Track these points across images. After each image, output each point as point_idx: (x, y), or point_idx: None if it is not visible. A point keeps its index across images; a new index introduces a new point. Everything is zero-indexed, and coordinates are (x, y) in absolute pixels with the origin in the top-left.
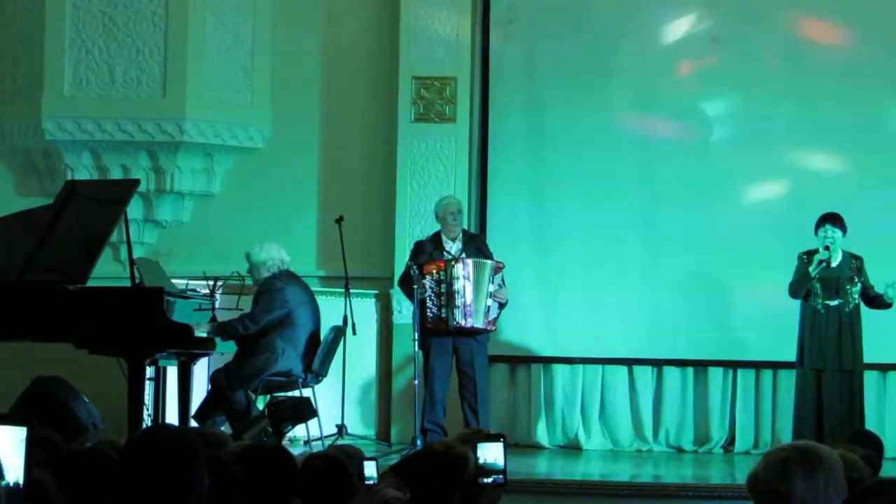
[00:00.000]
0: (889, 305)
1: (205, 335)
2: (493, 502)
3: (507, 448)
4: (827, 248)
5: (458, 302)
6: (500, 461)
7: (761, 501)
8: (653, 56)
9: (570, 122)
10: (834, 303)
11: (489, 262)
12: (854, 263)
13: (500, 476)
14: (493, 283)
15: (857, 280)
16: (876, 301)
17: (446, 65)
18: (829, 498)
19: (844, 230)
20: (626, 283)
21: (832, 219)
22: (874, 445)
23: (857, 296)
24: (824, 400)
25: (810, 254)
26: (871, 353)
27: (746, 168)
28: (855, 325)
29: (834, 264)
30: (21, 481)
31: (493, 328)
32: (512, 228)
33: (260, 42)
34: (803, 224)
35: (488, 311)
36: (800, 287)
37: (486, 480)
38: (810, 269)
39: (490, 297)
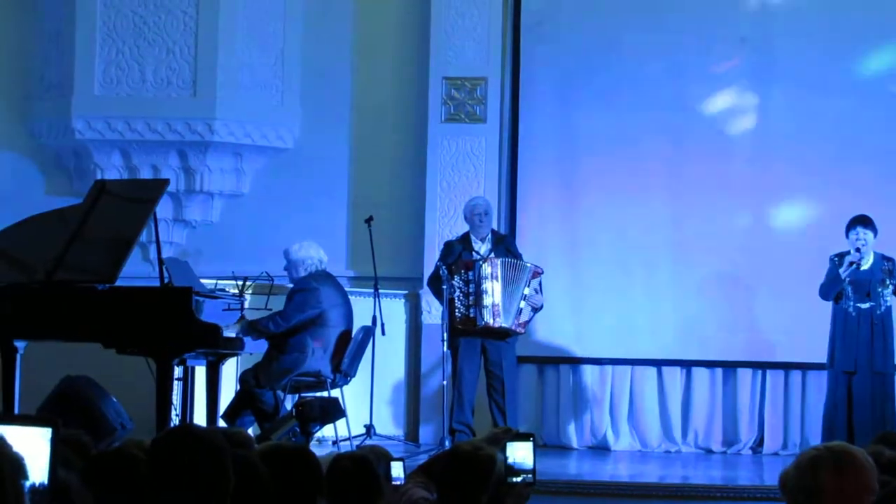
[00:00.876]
0: None
1: (233, 335)
2: (522, 501)
3: (536, 448)
4: (858, 250)
5: (487, 302)
6: (529, 460)
7: (792, 500)
8: (682, 59)
9: (600, 124)
10: (865, 305)
11: (528, 265)
12: (886, 265)
13: (529, 475)
14: (529, 286)
15: (888, 282)
16: None
17: (477, 65)
18: (860, 499)
19: (875, 232)
20: (656, 283)
21: (863, 220)
22: None
23: (888, 298)
24: (855, 402)
25: (842, 256)
26: None
27: (776, 170)
28: (886, 328)
29: (865, 266)
30: (46, 482)
31: (523, 331)
32: (542, 229)
33: (290, 42)
34: (833, 226)
35: (520, 313)
36: (830, 289)
37: (515, 480)
38: (841, 270)
39: (525, 300)
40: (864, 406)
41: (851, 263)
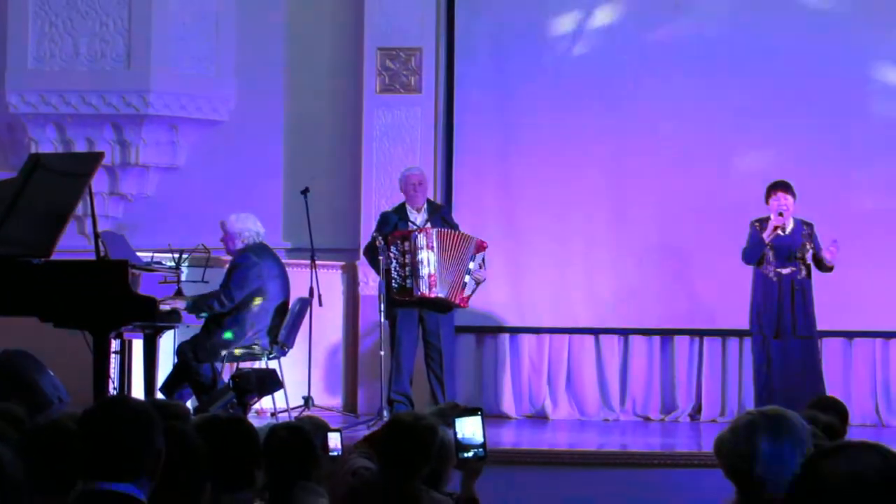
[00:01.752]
0: (830, 269)
1: (169, 308)
2: (474, 475)
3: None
4: (780, 214)
5: (423, 272)
6: (479, 435)
7: (727, 465)
8: (618, 26)
9: (536, 94)
10: (786, 270)
11: (473, 239)
12: (805, 230)
13: (481, 450)
14: (473, 261)
15: (808, 246)
16: (822, 265)
17: (411, 35)
18: (794, 463)
19: (795, 197)
20: (593, 252)
21: (784, 186)
22: (837, 412)
23: (809, 262)
24: (782, 367)
25: (762, 220)
26: (838, 319)
27: (713, 139)
28: (807, 292)
29: (787, 231)
30: None
31: (466, 305)
32: (478, 199)
33: (224, 14)
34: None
35: (464, 287)
36: (753, 253)
37: (466, 455)
38: (765, 235)
39: (469, 274)
40: (793, 370)
41: (776, 227)
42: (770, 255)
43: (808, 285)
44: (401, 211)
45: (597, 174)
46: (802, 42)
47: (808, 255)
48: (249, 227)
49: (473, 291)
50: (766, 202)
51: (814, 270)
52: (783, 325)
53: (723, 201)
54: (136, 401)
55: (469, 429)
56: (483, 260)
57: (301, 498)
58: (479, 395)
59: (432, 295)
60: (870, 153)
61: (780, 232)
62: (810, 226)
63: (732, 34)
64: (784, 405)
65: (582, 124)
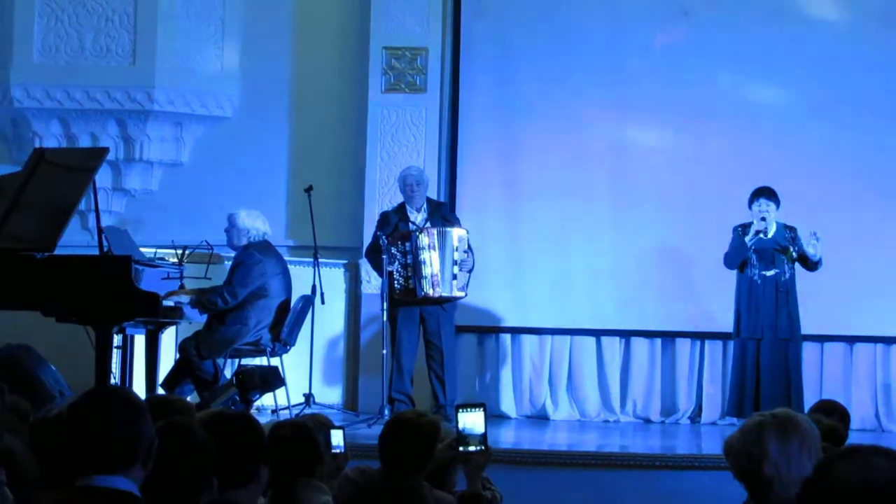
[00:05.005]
0: (817, 264)
1: (173, 304)
2: (478, 470)
3: (487, 417)
4: (763, 219)
5: (426, 272)
6: (480, 427)
7: (736, 465)
8: (624, 31)
9: (540, 94)
10: (770, 273)
11: (451, 229)
12: (788, 234)
13: (481, 445)
14: (457, 251)
15: (791, 250)
16: (808, 263)
17: (417, 35)
18: (802, 464)
19: (778, 203)
20: (595, 253)
21: (766, 192)
22: (840, 416)
23: (792, 266)
24: (762, 369)
25: (745, 226)
26: (839, 324)
27: (716, 143)
28: (790, 295)
29: (769, 235)
30: None
31: (463, 294)
32: (482, 199)
33: (230, 11)
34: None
35: (455, 278)
36: (735, 258)
37: (468, 449)
38: (747, 239)
39: (455, 264)
40: (771, 373)
41: (758, 232)
42: (754, 258)
43: (793, 287)
44: (401, 211)
45: (600, 176)
46: (813, 39)
47: (791, 259)
48: (258, 227)
49: (467, 280)
50: (749, 208)
51: (798, 274)
52: (765, 328)
53: (726, 204)
54: (124, 390)
55: (470, 420)
56: (469, 247)
57: (304, 495)
58: (480, 394)
59: (436, 295)
60: (877, 157)
61: (762, 236)
62: (793, 229)
63: (738, 33)
64: (756, 408)
65: (586, 126)
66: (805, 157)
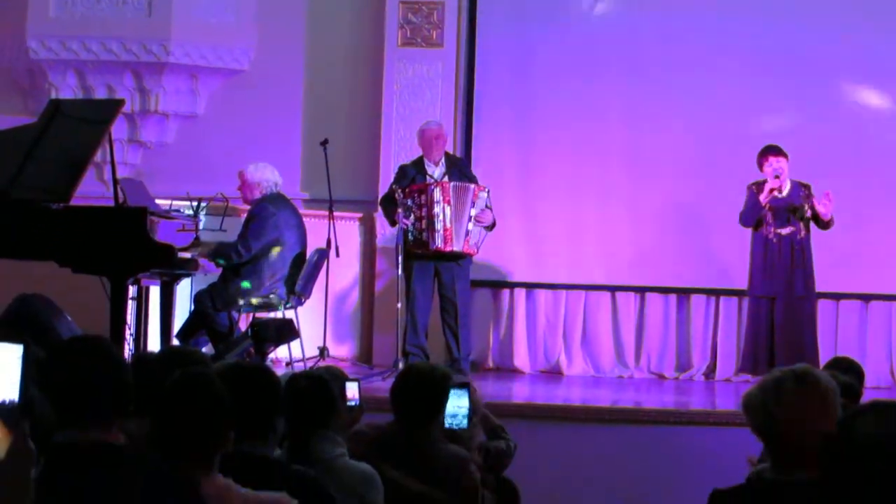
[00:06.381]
0: (828, 223)
1: (188, 256)
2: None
3: (487, 372)
4: (777, 176)
5: (438, 226)
6: (465, 407)
7: (754, 420)
8: None
9: (558, 49)
10: (786, 231)
11: (470, 185)
12: (803, 191)
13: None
14: (474, 206)
15: (807, 207)
16: (819, 222)
17: None
18: (821, 420)
19: (788, 159)
20: (611, 209)
21: (775, 150)
22: (855, 373)
23: (808, 224)
24: (777, 327)
25: (759, 184)
26: (854, 281)
27: (731, 100)
28: (806, 253)
29: (784, 193)
30: (16, 398)
31: (475, 251)
32: (498, 153)
33: None
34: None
35: (468, 234)
36: (751, 216)
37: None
38: (761, 197)
39: (471, 220)
40: (786, 332)
41: (772, 190)
42: (769, 216)
43: (808, 245)
44: (419, 164)
45: (616, 131)
46: (819, 7)
47: (807, 217)
48: (268, 178)
49: (482, 238)
50: (760, 168)
51: (814, 232)
52: (781, 286)
53: (741, 161)
54: (102, 339)
55: (454, 403)
56: (488, 202)
57: (320, 447)
58: (494, 349)
59: (448, 249)
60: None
61: (776, 194)
62: (808, 187)
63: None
64: (771, 366)
65: (602, 81)
66: (820, 112)
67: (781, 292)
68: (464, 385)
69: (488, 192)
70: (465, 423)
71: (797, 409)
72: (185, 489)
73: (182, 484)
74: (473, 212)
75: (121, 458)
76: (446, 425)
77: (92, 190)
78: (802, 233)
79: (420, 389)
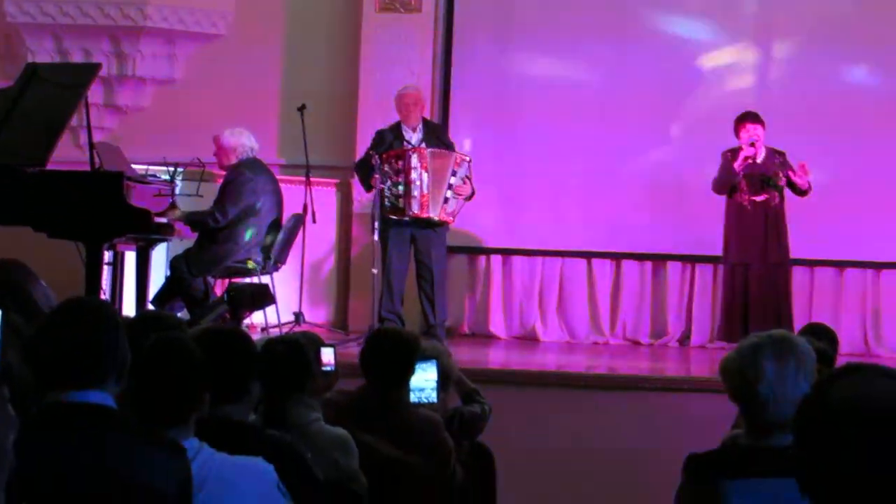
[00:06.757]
0: (805, 192)
1: (164, 221)
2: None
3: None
4: (752, 144)
5: (415, 192)
6: (432, 382)
7: (731, 386)
8: None
9: (537, 11)
10: (760, 198)
11: (452, 153)
12: (778, 158)
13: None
14: (455, 175)
15: (781, 175)
16: (797, 188)
17: None
18: (798, 386)
19: (765, 127)
20: (588, 175)
21: (753, 117)
22: (829, 339)
23: (782, 190)
24: (752, 295)
25: (734, 151)
26: (829, 248)
27: (709, 67)
28: (780, 220)
29: (759, 160)
30: None
31: (452, 220)
32: (475, 119)
33: None
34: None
35: (447, 202)
36: (724, 183)
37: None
38: (736, 164)
39: (450, 189)
40: (761, 299)
41: (747, 158)
42: (743, 183)
43: (783, 213)
44: (396, 130)
45: (595, 97)
46: None
47: (782, 182)
48: (244, 143)
49: (459, 207)
50: (736, 135)
51: (788, 199)
52: (755, 253)
53: (718, 128)
54: (95, 301)
55: (421, 377)
56: (468, 172)
57: (296, 411)
58: (470, 315)
59: (424, 215)
60: (866, 79)
61: (751, 161)
62: (782, 154)
63: None
64: (745, 332)
65: (582, 45)
66: (795, 79)
67: (756, 260)
68: (431, 357)
69: (470, 161)
70: (433, 396)
71: (774, 375)
72: (172, 450)
73: (169, 445)
74: (454, 180)
75: (108, 418)
76: (414, 399)
77: (68, 154)
78: (776, 200)
79: (390, 352)
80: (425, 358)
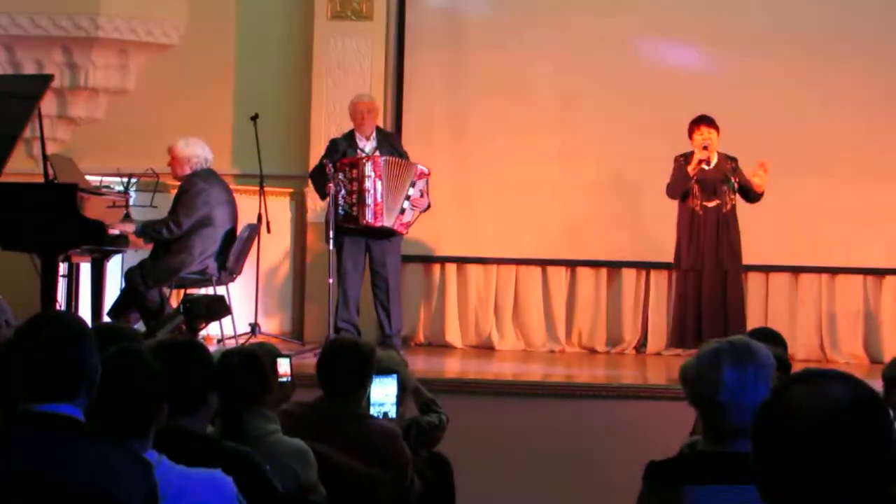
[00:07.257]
0: (759, 195)
1: (118, 232)
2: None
3: (419, 346)
4: (705, 148)
5: (368, 201)
6: (392, 397)
7: (691, 392)
8: None
9: (489, 20)
10: (712, 203)
11: (413, 165)
12: (730, 164)
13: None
14: (414, 187)
15: (733, 181)
16: (750, 194)
17: None
18: (757, 392)
19: (719, 131)
20: (541, 183)
21: (708, 120)
22: (780, 344)
23: (734, 196)
24: (703, 300)
25: (686, 155)
26: (784, 254)
27: (662, 68)
28: (732, 226)
29: (712, 165)
30: None
31: (406, 232)
32: (428, 127)
33: None
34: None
35: (403, 213)
36: (678, 188)
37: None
38: (689, 168)
39: (408, 200)
40: (712, 305)
41: (700, 162)
42: (696, 189)
43: (734, 218)
44: (350, 138)
45: (547, 104)
46: None
47: (733, 190)
48: (198, 153)
49: (414, 219)
50: (690, 138)
51: (743, 204)
52: (706, 259)
53: (672, 135)
54: (70, 316)
55: (381, 392)
56: (425, 187)
57: (253, 423)
58: (426, 324)
59: (378, 224)
60: (823, 82)
61: (704, 166)
62: (734, 160)
63: None
64: (698, 339)
65: (533, 54)
66: (749, 83)
67: (707, 265)
68: (389, 370)
69: (429, 175)
70: (393, 411)
71: (734, 381)
72: (138, 461)
73: (136, 456)
74: (411, 192)
75: (76, 429)
76: (374, 413)
77: (21, 166)
78: (728, 206)
79: (347, 362)
80: (384, 371)
